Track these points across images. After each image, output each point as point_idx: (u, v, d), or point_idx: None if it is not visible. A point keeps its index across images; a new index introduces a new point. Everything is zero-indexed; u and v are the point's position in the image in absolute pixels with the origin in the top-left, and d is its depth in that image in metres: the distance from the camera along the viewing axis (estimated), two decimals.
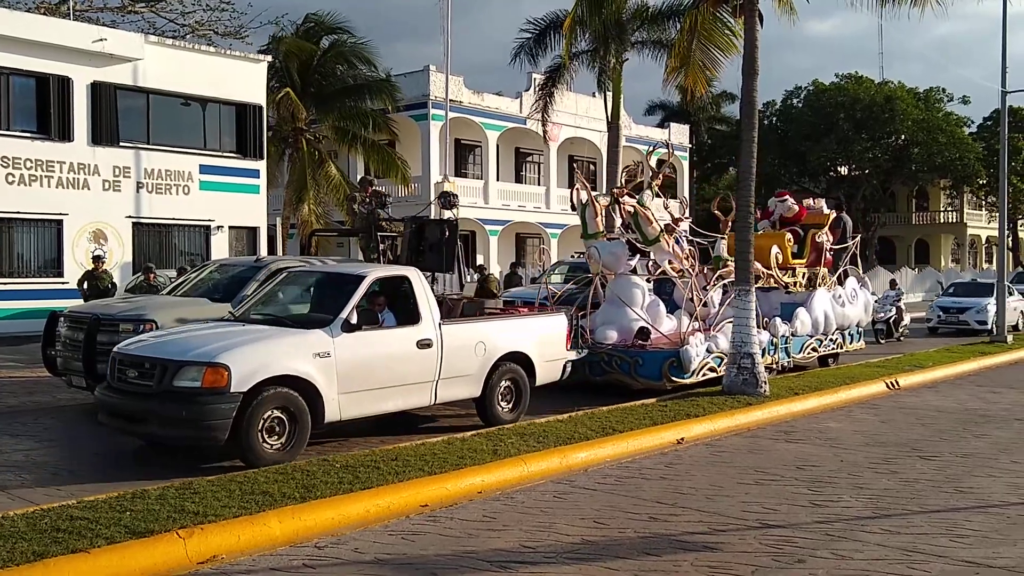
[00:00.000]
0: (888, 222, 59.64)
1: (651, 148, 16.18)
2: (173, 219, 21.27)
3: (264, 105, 23.37)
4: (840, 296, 17.15)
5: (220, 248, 21.94)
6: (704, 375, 13.65)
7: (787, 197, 17.79)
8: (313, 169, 27.72)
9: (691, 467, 9.09)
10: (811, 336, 16.23)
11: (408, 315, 9.98)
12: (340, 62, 29.48)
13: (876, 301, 22.51)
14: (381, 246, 14.36)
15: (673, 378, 13.16)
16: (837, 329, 16.94)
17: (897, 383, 14.93)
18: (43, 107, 19.39)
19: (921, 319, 28.99)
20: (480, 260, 31.92)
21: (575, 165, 41.84)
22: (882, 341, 23.35)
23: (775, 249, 15.91)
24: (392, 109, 29.50)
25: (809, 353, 16.35)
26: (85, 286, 15.89)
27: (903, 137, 52.49)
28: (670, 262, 14.63)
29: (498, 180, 35.86)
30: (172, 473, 7.91)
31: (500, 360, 10.68)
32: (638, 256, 15.19)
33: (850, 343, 17.56)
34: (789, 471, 8.89)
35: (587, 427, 10.14)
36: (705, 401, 12.21)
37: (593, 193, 15.11)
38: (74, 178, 19.55)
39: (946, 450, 10.02)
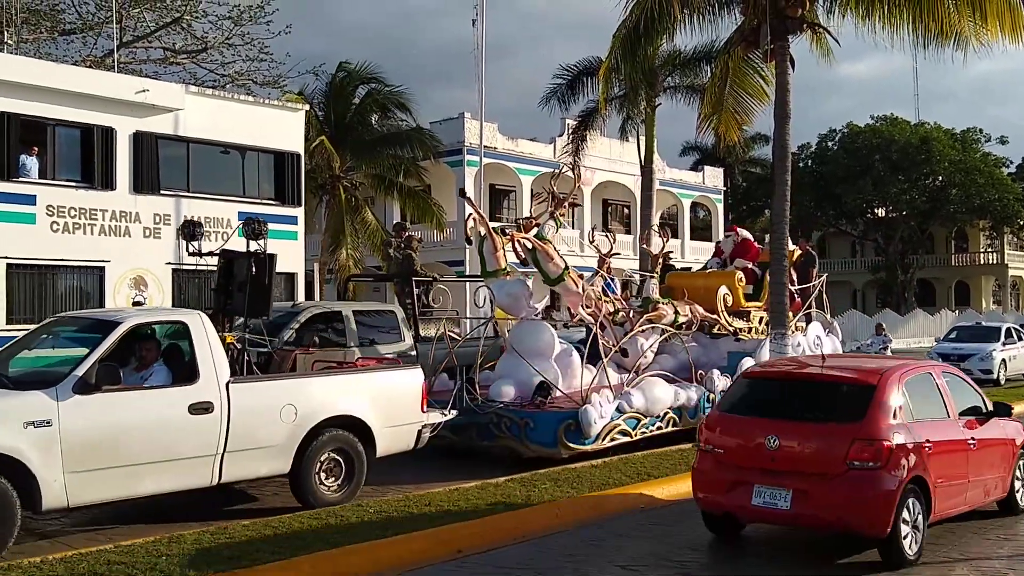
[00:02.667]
0: (927, 264, 58.99)
1: (556, 171, 13.73)
2: (213, 265, 21.55)
3: (302, 153, 23.72)
4: (800, 344, 14.67)
5: None
6: (612, 440, 11.52)
7: (733, 232, 16.45)
8: (350, 215, 28.03)
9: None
10: None
11: (184, 372, 8.10)
12: (376, 110, 29.90)
13: (859, 350, 21.50)
14: (416, 290, 14.48)
15: (570, 444, 11.02)
16: None
17: None
18: (87, 157, 19.79)
19: None
20: None
21: (609, 209, 41.97)
22: None
23: (723, 290, 14.16)
24: (429, 156, 29.81)
25: None
26: None
27: (940, 178, 52.11)
28: (592, 306, 12.66)
29: None
30: (210, 517, 7.96)
31: (320, 427, 8.65)
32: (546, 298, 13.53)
33: None
34: None
35: (621, 472, 10.09)
36: None
37: (493, 225, 12.92)
38: (116, 226, 19.92)
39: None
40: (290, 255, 23.21)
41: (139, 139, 20.38)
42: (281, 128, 22.92)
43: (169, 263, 20.64)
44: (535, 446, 11.05)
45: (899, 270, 55.55)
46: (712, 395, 12.96)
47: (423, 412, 9.60)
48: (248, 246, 9.52)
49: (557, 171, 13.66)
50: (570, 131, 30.98)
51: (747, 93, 15.79)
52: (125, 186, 20.16)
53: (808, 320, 15.67)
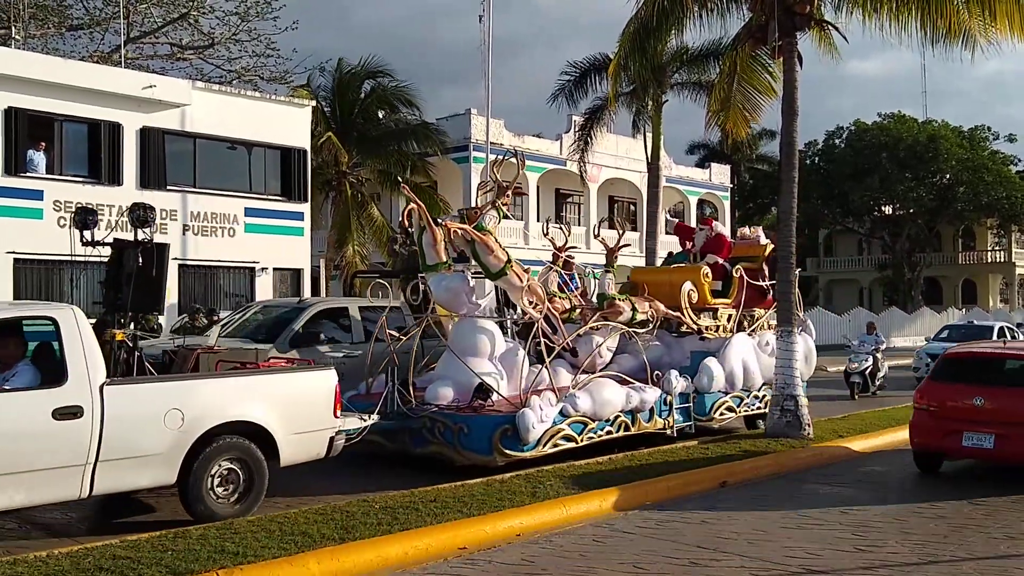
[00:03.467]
0: (934, 262, 58.82)
1: (499, 158, 12.57)
2: (218, 261, 21.58)
3: (308, 149, 23.74)
4: (769, 343, 13.74)
5: (264, 290, 22.20)
6: (555, 446, 10.59)
7: (707, 225, 15.21)
8: (356, 211, 28.06)
9: (733, 511, 8.98)
10: (725, 393, 13.09)
11: (51, 373, 7.31)
12: (382, 106, 29.87)
13: (850, 348, 20.45)
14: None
15: (507, 451, 10.11)
16: (767, 384, 13.58)
17: None
18: (94, 152, 19.85)
19: (906, 367, 25.91)
20: None
21: (615, 206, 41.92)
22: (856, 397, 19.74)
23: (687, 286, 13.14)
24: (436, 152, 29.81)
25: (724, 413, 13.15)
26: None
27: (948, 176, 51.93)
28: (548, 303, 11.62)
29: (538, 221, 35.96)
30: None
31: (212, 433, 7.85)
32: (490, 292, 12.83)
33: None
34: (833, 515, 8.75)
35: (628, 470, 10.07)
36: (747, 444, 12.11)
37: (436, 218, 12.10)
38: (123, 221, 19.92)
39: (997, 495, 9.79)
40: (296, 251, 23.26)
41: (146, 135, 20.42)
42: (287, 124, 22.96)
43: (175, 258, 20.69)
44: (469, 453, 10.17)
45: (906, 268, 55.41)
46: (670, 397, 12.09)
47: (336, 417, 8.72)
48: (135, 235, 8.78)
49: (500, 157, 12.47)
50: (576, 128, 30.95)
51: (755, 89, 15.71)
52: (132, 181, 20.20)
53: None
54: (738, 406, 13.38)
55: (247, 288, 22.17)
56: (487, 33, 27.25)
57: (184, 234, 20.78)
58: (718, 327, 13.62)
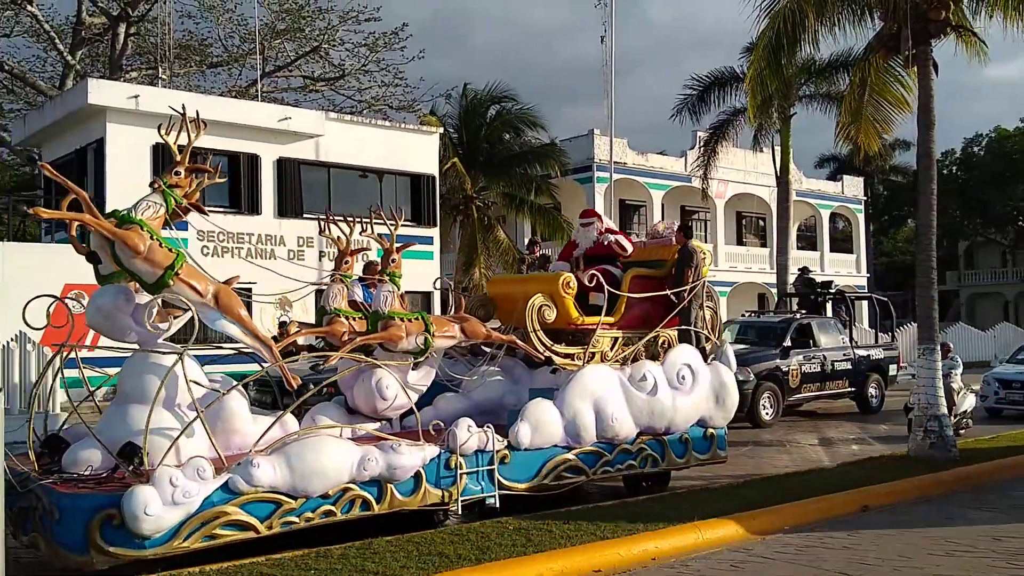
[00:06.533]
0: None
1: (167, 124, 8.32)
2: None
3: (437, 175, 24.26)
4: (647, 378, 9.96)
5: None
6: (214, 538, 7.21)
7: (593, 218, 11.71)
8: (483, 234, 28.48)
9: (876, 536, 8.67)
10: (567, 448, 9.35)
11: None
12: (507, 129, 30.31)
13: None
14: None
15: (112, 548, 6.81)
16: (648, 435, 10.00)
17: None
18: (234, 183, 20.80)
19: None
20: None
21: (743, 221, 41.23)
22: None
23: (537, 301, 9.76)
24: (559, 174, 30.03)
25: (564, 476, 9.32)
26: None
27: None
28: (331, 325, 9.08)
29: None
30: (352, 536, 8.14)
31: None
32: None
33: (680, 455, 10.35)
34: (983, 542, 8.35)
35: (764, 493, 9.86)
36: (889, 466, 11.68)
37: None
38: (262, 249, 20.82)
39: None
40: (426, 274, 23.74)
41: (282, 165, 21.27)
42: (417, 151, 23.53)
43: (312, 283, 21.44)
44: (58, 548, 6.98)
45: None
46: (457, 457, 8.51)
47: None
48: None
49: (166, 124, 8.32)
50: (701, 143, 30.65)
51: (887, 101, 15.22)
52: (270, 210, 21.05)
53: (692, 339, 10.80)
54: (593, 466, 9.55)
55: None
56: (609, 53, 27.35)
57: (320, 260, 21.50)
58: (593, 355, 10.05)
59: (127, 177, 18.81)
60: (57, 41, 30.14)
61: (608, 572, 7.39)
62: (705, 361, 10.67)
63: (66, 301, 8.11)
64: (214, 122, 20.00)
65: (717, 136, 28.18)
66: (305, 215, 21.51)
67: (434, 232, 23.95)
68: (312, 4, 32.27)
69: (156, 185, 7.99)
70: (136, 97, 19.40)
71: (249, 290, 20.49)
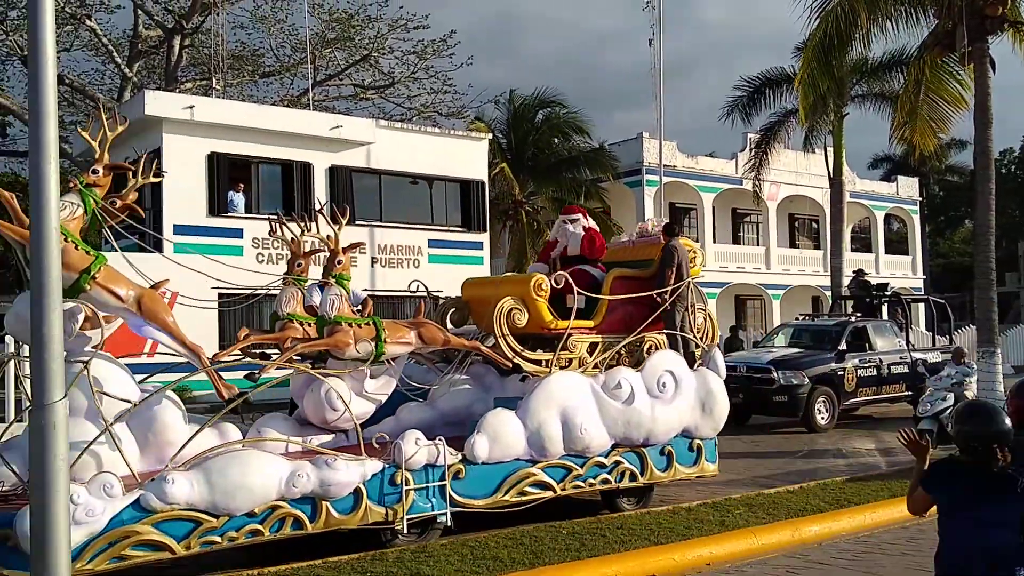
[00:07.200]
0: None
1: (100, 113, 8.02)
2: (405, 291, 22.41)
3: (486, 180, 24.35)
4: (623, 385, 9.34)
5: None
6: (123, 559, 6.76)
7: (578, 214, 10.85)
8: (532, 239, 28.52)
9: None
10: (531, 462, 8.76)
11: None
12: (555, 134, 30.33)
13: (930, 384, 14.59)
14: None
15: (6, 571, 6.54)
16: (625, 446, 9.36)
17: None
18: (287, 191, 21.07)
19: None
20: None
21: (796, 223, 40.76)
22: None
23: (507, 304, 9.13)
24: (608, 177, 29.99)
25: (528, 492, 8.72)
26: None
27: None
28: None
29: (715, 242, 35.42)
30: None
31: None
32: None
33: (663, 468, 9.67)
34: None
35: (820, 499, 9.75)
36: None
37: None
38: (315, 256, 21.03)
39: None
40: None
41: (334, 172, 21.49)
42: (466, 157, 23.63)
43: (365, 289, 21.64)
44: None
45: None
46: (404, 472, 7.92)
47: None
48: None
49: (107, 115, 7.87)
50: (752, 145, 30.39)
51: (943, 99, 15.01)
52: (323, 218, 21.26)
53: (676, 345, 10.15)
54: (561, 480, 8.94)
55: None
56: (657, 56, 27.25)
57: (372, 266, 21.70)
58: (569, 360, 9.38)
59: (183, 186, 19.17)
60: (115, 54, 30.79)
61: None
62: (692, 367, 10.03)
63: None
64: (268, 131, 20.52)
65: (768, 137, 27.93)
66: (358, 222, 21.71)
67: (483, 237, 24.03)
68: (362, 13, 32.59)
69: (72, 185, 7.41)
70: (191, 107, 19.74)
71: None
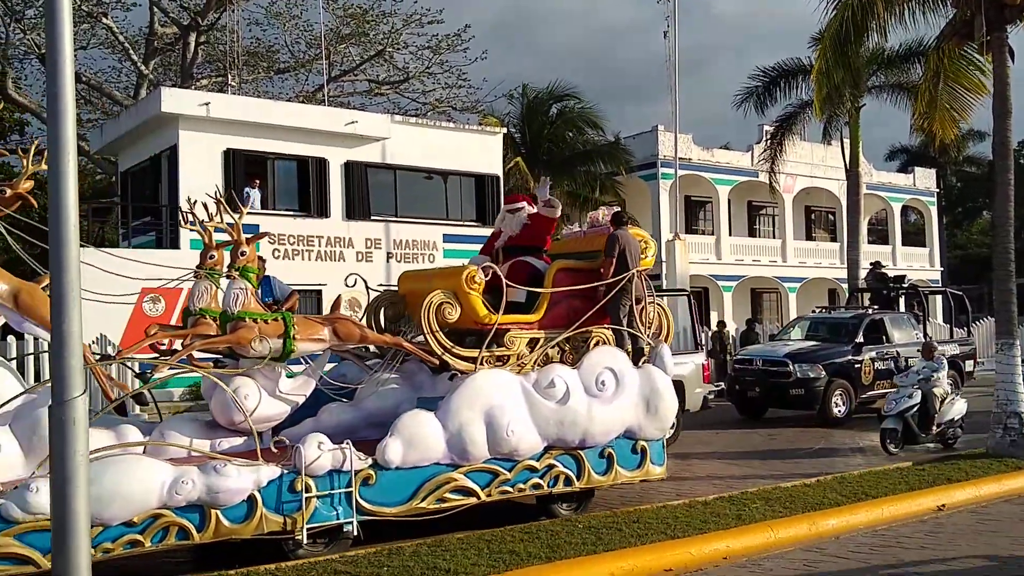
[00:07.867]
0: None
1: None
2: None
3: (501, 175, 24.36)
4: (556, 384, 8.71)
5: None
6: None
7: (523, 202, 10.07)
8: None
9: (954, 536, 8.49)
10: (452, 467, 8.17)
11: None
12: (569, 128, 30.29)
13: (897, 380, 13.67)
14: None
15: None
16: (559, 449, 8.74)
17: None
18: (303, 187, 21.15)
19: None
20: (715, 317, 31.44)
21: (812, 215, 40.58)
22: (893, 450, 12.57)
23: (437, 298, 8.60)
24: (623, 171, 29.93)
25: (447, 498, 8.14)
26: None
27: None
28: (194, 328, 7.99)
29: (730, 235, 35.33)
30: (426, 532, 8.23)
31: None
32: None
33: (602, 472, 9.05)
34: None
35: (837, 492, 9.71)
36: (967, 465, 11.39)
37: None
38: (331, 251, 21.12)
39: None
40: None
41: (350, 168, 21.54)
42: (481, 152, 23.65)
43: (381, 284, 21.68)
44: None
45: None
46: (306, 479, 7.34)
47: None
48: None
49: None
50: (767, 136, 30.26)
51: (963, 88, 14.88)
52: (338, 213, 21.34)
53: (598, 343, 9.41)
54: (486, 486, 8.35)
55: None
56: (672, 49, 27.17)
57: (388, 261, 21.75)
58: (505, 358, 8.83)
59: (200, 182, 19.24)
60: (131, 52, 30.94)
61: (679, 571, 7.36)
62: (636, 364, 9.37)
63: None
64: (283, 127, 20.57)
65: (784, 129, 27.81)
66: (373, 217, 21.79)
67: None
68: (376, 8, 32.63)
69: None
70: (207, 104, 19.83)
71: (319, 292, 20.88)
